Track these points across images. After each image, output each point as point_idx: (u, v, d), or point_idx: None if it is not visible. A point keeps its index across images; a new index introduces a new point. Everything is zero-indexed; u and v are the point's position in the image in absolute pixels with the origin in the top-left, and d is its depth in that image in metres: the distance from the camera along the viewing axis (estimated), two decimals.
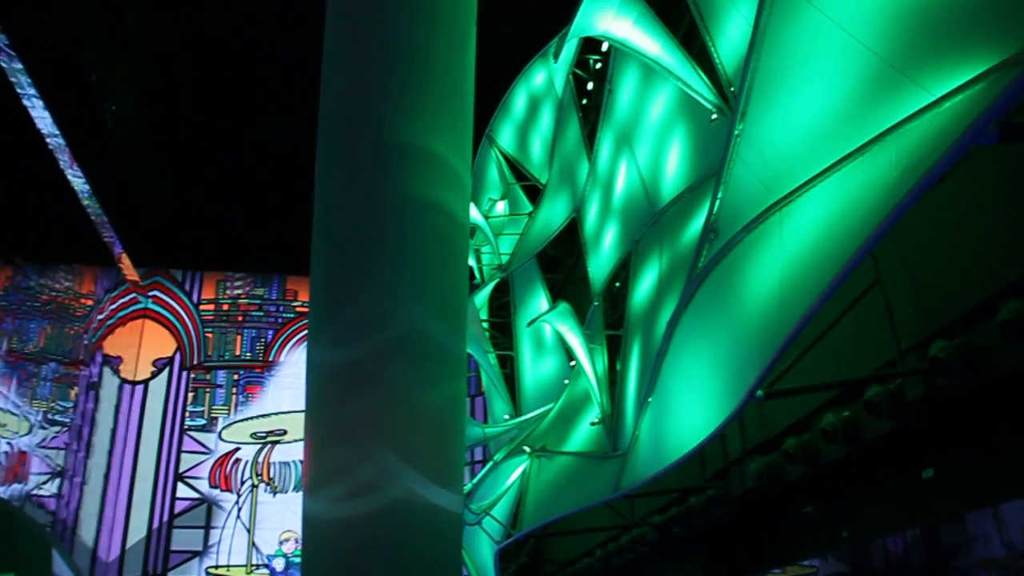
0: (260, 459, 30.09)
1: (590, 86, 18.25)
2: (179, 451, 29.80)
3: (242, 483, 29.77)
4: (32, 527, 9.72)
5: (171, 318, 31.38)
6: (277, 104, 25.76)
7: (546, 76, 19.21)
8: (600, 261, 15.20)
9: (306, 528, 7.28)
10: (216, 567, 28.40)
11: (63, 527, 27.57)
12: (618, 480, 11.38)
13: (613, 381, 13.58)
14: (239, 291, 32.03)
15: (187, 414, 30.19)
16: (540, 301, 19.35)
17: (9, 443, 27.23)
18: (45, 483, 27.85)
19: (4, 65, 19.71)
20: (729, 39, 10.96)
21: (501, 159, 21.17)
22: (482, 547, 17.90)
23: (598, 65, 17.91)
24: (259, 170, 28.11)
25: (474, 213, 18.31)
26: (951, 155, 5.00)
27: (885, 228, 5.51)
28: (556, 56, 17.96)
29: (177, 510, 29.10)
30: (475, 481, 18.15)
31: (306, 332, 29.42)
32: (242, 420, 30.70)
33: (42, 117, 21.67)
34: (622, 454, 11.65)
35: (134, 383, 30.23)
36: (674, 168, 12.37)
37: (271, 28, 24.58)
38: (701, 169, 11.37)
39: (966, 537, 20.31)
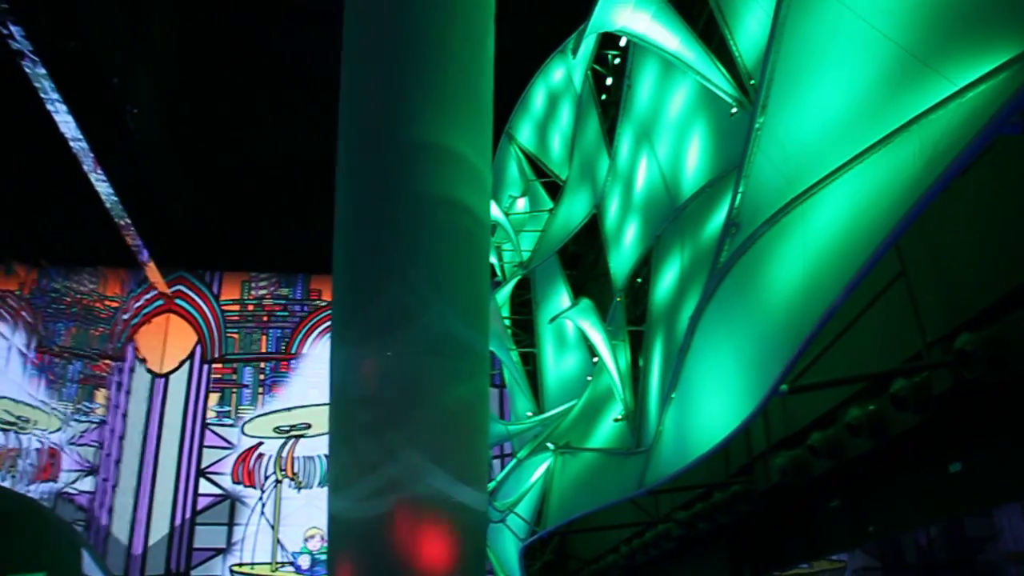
0: (284, 454, 29.85)
1: (609, 81, 18.21)
2: (201, 446, 29.67)
3: (266, 478, 29.54)
4: (62, 527, 9.80)
5: (193, 312, 31.41)
6: (297, 105, 25.90)
7: (565, 72, 19.19)
8: (621, 257, 15.17)
9: (332, 526, 7.33)
10: (240, 565, 28.26)
11: (96, 525, 27.72)
12: (642, 476, 11.36)
13: (636, 377, 13.55)
14: (264, 291, 32.08)
15: (214, 414, 30.11)
16: (562, 298, 19.34)
17: (40, 441, 27.46)
18: (74, 481, 28.05)
19: (28, 71, 19.91)
20: (748, 32, 10.90)
21: (521, 156, 21.17)
22: (506, 545, 17.92)
23: (617, 60, 17.86)
24: (281, 170, 28.29)
25: (495, 210, 18.32)
26: (975, 145, 4.95)
27: (909, 220, 5.46)
28: (574, 52, 17.93)
29: (199, 507, 28.95)
30: (499, 479, 18.17)
31: (328, 324, 29.59)
32: (265, 414, 30.47)
33: (66, 122, 21.90)
34: (646, 450, 11.62)
35: (161, 375, 30.31)
36: (694, 163, 12.33)
37: (291, 29, 24.72)
38: (722, 163, 11.32)
39: (993, 530, 20.10)
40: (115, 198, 25.14)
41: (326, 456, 26.86)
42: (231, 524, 28.86)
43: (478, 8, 8.79)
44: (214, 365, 30.85)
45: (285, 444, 30.02)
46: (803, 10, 7.28)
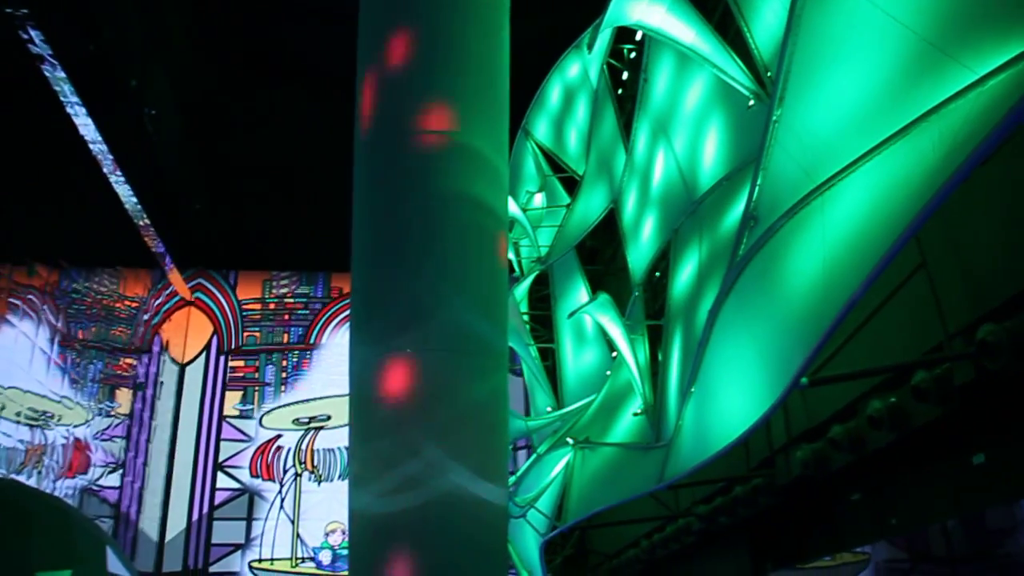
0: (303, 446, 29.37)
1: (625, 76, 18.16)
2: (218, 439, 29.36)
3: (285, 472, 29.07)
4: (86, 525, 9.91)
5: (210, 303, 31.37)
6: (314, 104, 26.00)
7: (580, 67, 19.16)
8: (639, 251, 15.14)
9: (353, 522, 7.37)
10: (260, 561, 27.85)
11: (124, 520, 27.80)
12: (662, 471, 11.34)
13: (655, 371, 13.53)
14: (285, 290, 32.06)
15: (237, 412, 29.97)
16: (580, 293, 19.33)
17: (65, 436, 27.67)
18: (99, 478, 28.21)
19: (48, 75, 20.10)
20: (765, 23, 10.85)
21: (537, 152, 21.16)
22: (527, 540, 17.94)
23: (632, 54, 17.81)
24: (299, 169, 28.40)
25: (512, 206, 18.33)
26: (996, 135, 4.91)
27: (929, 211, 5.42)
28: (590, 47, 17.89)
29: (217, 501, 28.59)
30: (519, 474, 18.20)
31: (346, 314, 29.55)
32: (284, 406, 30.03)
33: (85, 125, 22.09)
34: (665, 444, 11.60)
35: (184, 364, 30.34)
36: (712, 156, 12.28)
37: (306, 28, 24.80)
38: (739, 156, 11.28)
39: (1015, 522, 19.93)
40: (134, 199, 25.33)
41: (346, 448, 26.70)
42: (250, 519, 28.43)
43: (493, 3, 8.79)
44: (237, 363, 30.80)
45: (304, 436, 29.54)
46: (820, 1, 7.25)
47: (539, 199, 20.75)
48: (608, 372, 16.63)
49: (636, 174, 15.53)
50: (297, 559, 28.04)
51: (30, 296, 28.11)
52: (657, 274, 15.27)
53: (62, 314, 29.07)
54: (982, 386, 7.48)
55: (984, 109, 5.20)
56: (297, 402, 30.15)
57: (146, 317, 30.78)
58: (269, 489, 28.95)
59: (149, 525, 27.96)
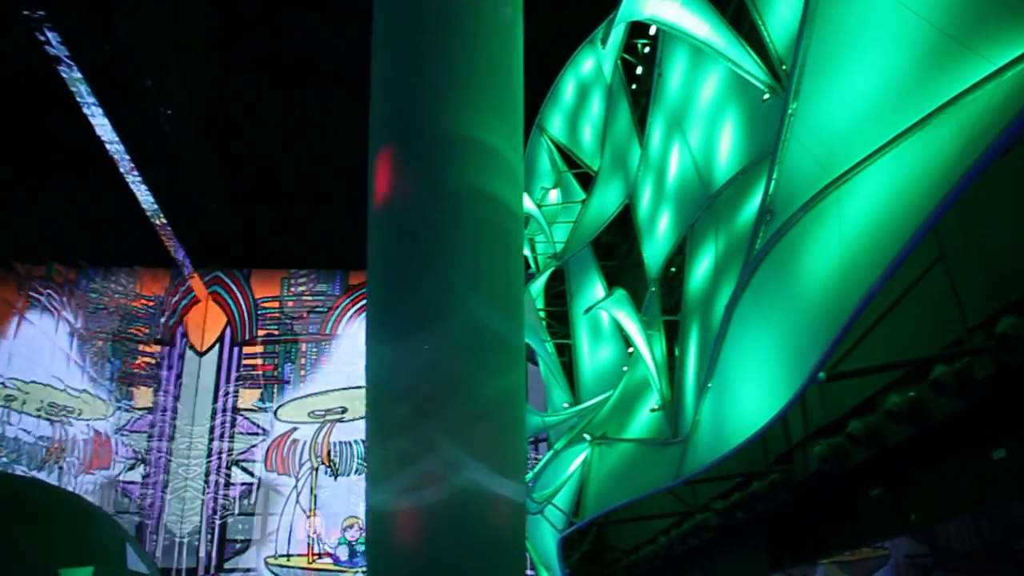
0: (319, 439, 28.96)
1: (639, 70, 18.09)
2: (232, 433, 29.15)
3: (300, 466, 28.67)
4: (106, 522, 9.99)
5: (226, 296, 31.33)
6: (330, 102, 26.06)
7: (594, 62, 19.12)
8: (655, 246, 15.11)
9: (370, 519, 7.39)
10: (276, 557, 27.46)
11: (147, 515, 27.91)
12: (680, 466, 11.32)
13: (672, 367, 13.50)
14: (303, 287, 32.07)
15: (255, 410, 29.88)
16: (596, 288, 19.30)
17: (85, 432, 27.85)
18: (119, 473, 28.33)
19: (65, 76, 20.26)
20: (779, 16, 10.79)
21: (552, 147, 21.15)
22: (544, 536, 17.96)
23: (646, 49, 17.74)
24: (316, 168, 28.48)
25: (527, 203, 18.32)
26: (1015, 126, 4.87)
27: (947, 203, 5.39)
28: (604, 42, 17.85)
29: (232, 496, 28.37)
30: (536, 470, 18.21)
31: (361, 304, 29.51)
32: (299, 398, 29.68)
33: (102, 125, 22.25)
34: (683, 440, 11.58)
35: (202, 354, 30.36)
36: (727, 150, 12.23)
37: (321, 26, 24.86)
38: (755, 150, 11.22)
39: None
40: (151, 199, 25.50)
41: (362, 441, 26.35)
42: (265, 514, 28.05)
43: None
44: (253, 360, 30.88)
45: (320, 429, 29.10)
46: None
47: (554, 195, 20.73)
48: (625, 368, 16.61)
49: (651, 169, 15.49)
50: (314, 555, 27.63)
51: (48, 291, 28.25)
52: (673, 269, 15.23)
53: (81, 311, 29.25)
54: (1002, 380, 7.43)
55: (1003, 100, 5.16)
56: (313, 394, 29.78)
57: (163, 318, 30.93)
58: (285, 483, 28.56)
59: (168, 520, 28.01)
